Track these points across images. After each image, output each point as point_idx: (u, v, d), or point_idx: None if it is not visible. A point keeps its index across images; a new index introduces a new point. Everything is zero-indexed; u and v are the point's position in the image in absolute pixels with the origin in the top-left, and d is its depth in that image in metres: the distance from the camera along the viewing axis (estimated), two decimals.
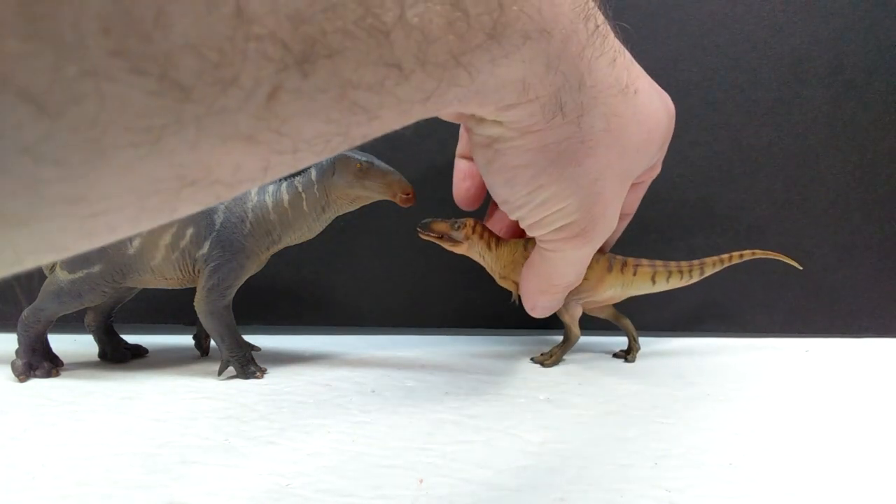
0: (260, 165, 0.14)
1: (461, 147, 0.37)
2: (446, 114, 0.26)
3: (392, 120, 0.17)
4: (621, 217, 0.38)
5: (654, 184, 0.48)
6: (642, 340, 0.47)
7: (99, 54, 0.10)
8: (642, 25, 0.47)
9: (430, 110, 0.18)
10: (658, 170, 0.36)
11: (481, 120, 0.25)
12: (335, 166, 0.35)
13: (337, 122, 0.15)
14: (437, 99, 0.18)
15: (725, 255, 0.40)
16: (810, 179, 0.48)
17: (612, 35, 0.26)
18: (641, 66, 0.30)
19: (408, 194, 0.36)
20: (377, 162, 0.36)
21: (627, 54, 0.28)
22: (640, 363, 0.41)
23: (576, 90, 0.24)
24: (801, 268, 0.42)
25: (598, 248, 0.31)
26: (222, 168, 0.13)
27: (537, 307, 0.35)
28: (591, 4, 0.23)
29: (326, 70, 0.13)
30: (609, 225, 0.30)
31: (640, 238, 0.48)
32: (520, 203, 0.28)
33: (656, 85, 0.32)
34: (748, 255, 0.40)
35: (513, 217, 0.29)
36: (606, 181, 0.28)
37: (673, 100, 0.35)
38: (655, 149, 0.31)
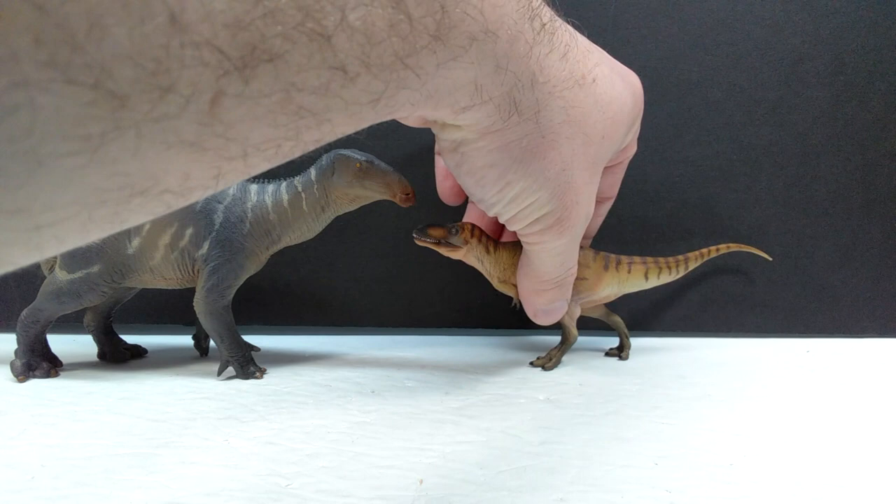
0: (210, 173, 0.14)
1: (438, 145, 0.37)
2: (411, 120, 0.26)
3: (343, 123, 0.17)
4: (603, 201, 0.39)
5: (654, 184, 0.48)
6: (643, 340, 0.47)
7: (31, 65, 0.10)
8: (642, 25, 0.47)
9: (382, 113, 0.18)
10: (634, 148, 0.36)
11: (444, 125, 0.26)
12: (335, 166, 0.35)
13: (285, 126, 0.15)
14: (387, 101, 0.18)
15: (704, 250, 0.43)
16: (810, 179, 0.48)
17: (560, 31, 0.26)
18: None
19: (408, 194, 0.36)
20: (377, 162, 0.35)
21: (582, 45, 0.28)
22: (640, 363, 0.40)
23: (529, 88, 0.25)
24: (770, 258, 0.46)
25: (579, 236, 0.32)
26: (170, 176, 0.13)
27: (538, 312, 0.35)
28: (536, 4, 0.24)
29: (268, 75, 0.13)
30: (585, 212, 0.31)
31: (641, 238, 0.48)
32: (493, 201, 0.29)
33: (620, 67, 0.32)
34: (724, 248, 0.44)
35: (490, 214, 0.30)
36: (574, 170, 0.28)
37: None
38: (623, 132, 0.31)
